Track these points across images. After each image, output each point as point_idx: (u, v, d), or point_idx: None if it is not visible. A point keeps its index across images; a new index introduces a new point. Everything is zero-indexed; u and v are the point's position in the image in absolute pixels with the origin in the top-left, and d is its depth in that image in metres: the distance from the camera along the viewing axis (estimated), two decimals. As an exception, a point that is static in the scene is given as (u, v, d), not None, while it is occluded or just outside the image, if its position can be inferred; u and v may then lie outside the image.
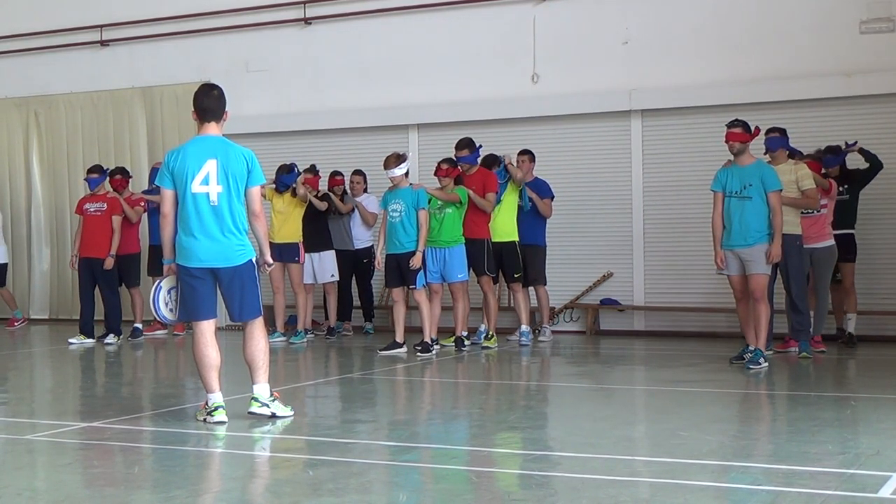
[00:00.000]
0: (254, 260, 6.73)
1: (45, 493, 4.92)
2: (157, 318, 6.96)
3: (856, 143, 10.86)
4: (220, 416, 6.55)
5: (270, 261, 6.95)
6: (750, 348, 9.28)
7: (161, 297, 6.80)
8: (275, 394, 6.80)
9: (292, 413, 6.80)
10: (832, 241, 10.31)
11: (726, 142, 9.32)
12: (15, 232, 16.04)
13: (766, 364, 9.14)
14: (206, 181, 6.56)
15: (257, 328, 6.72)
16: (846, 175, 10.77)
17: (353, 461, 5.48)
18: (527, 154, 11.70)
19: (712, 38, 12.36)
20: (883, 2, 11.68)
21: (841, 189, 10.64)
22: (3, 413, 7.38)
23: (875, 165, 10.81)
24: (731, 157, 9.40)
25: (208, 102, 6.72)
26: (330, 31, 14.22)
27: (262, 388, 6.69)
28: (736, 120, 9.42)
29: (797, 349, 9.87)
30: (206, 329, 6.63)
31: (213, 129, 6.73)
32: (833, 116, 11.83)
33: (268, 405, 6.68)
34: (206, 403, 6.67)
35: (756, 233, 9.15)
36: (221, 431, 6.36)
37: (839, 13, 11.81)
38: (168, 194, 6.69)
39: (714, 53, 12.35)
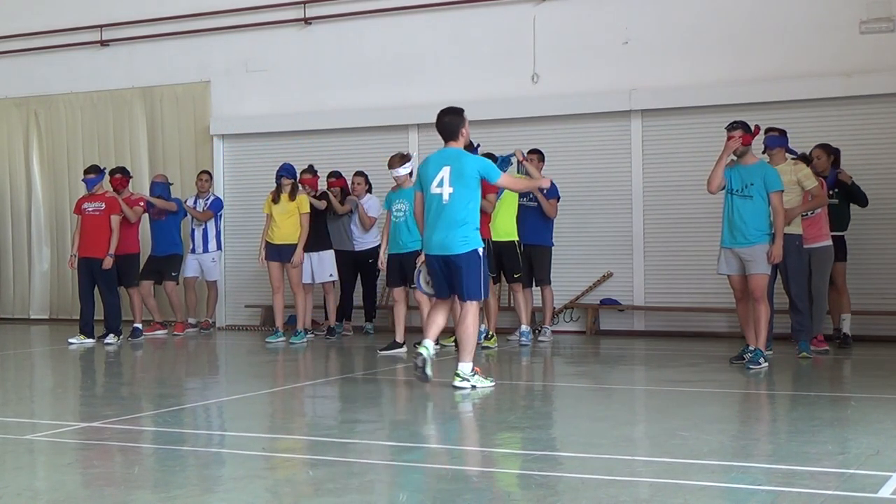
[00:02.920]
0: (480, 251, 7.99)
1: (45, 493, 4.92)
2: (421, 292, 8.67)
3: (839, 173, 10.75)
4: (423, 350, 7.85)
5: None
6: (750, 348, 9.27)
7: (422, 277, 8.41)
8: (476, 369, 8.00)
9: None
10: (829, 242, 10.27)
11: None
12: (15, 232, 16.06)
13: (766, 364, 9.14)
14: (441, 184, 7.98)
15: (469, 312, 7.99)
16: (836, 181, 10.73)
17: (353, 461, 5.48)
18: (536, 153, 11.71)
19: (712, 39, 12.37)
20: (883, 2, 11.68)
21: (830, 193, 10.63)
22: (3, 413, 7.38)
23: (860, 202, 10.84)
24: (734, 158, 9.38)
25: (440, 127, 8.28)
26: (330, 31, 14.23)
27: (464, 367, 7.97)
28: (735, 122, 9.39)
29: (797, 349, 9.86)
30: (440, 302, 8.23)
31: (452, 144, 8.20)
32: (833, 116, 11.83)
33: (468, 379, 7.92)
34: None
35: (756, 232, 9.14)
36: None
37: (839, 13, 11.81)
38: (418, 196, 8.22)
39: (714, 53, 12.35)
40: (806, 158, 10.32)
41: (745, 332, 9.47)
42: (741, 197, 9.18)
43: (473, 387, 7.88)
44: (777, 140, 9.89)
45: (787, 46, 12.03)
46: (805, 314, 9.83)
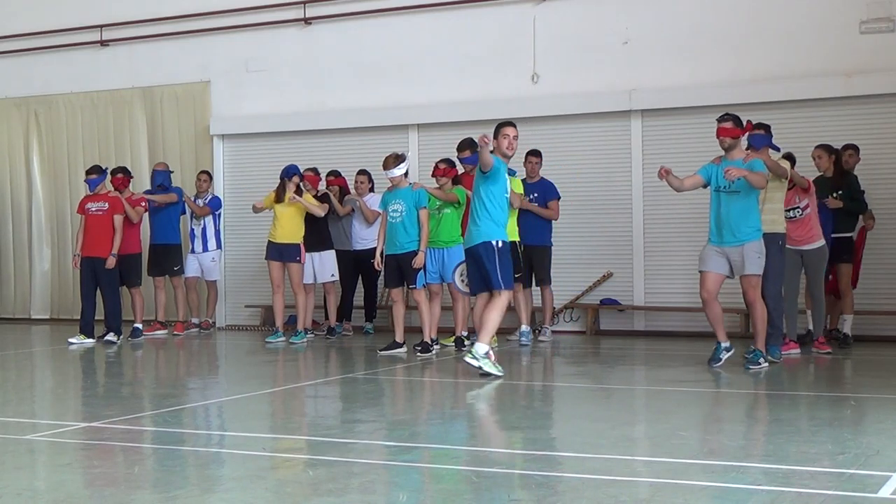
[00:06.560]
0: (493, 243, 8.68)
1: (45, 493, 4.92)
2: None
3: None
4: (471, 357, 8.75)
5: None
6: (724, 345, 9.16)
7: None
8: (490, 355, 8.57)
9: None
10: (822, 242, 10.15)
11: (717, 137, 9.26)
12: (15, 232, 16.06)
13: (766, 364, 9.12)
14: None
15: (495, 298, 8.76)
16: (840, 181, 10.69)
17: (353, 461, 5.48)
18: (537, 156, 11.71)
19: (712, 38, 12.37)
20: (883, 2, 11.69)
21: (835, 195, 10.61)
22: (3, 413, 7.38)
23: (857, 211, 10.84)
24: (723, 153, 9.32)
25: None
26: (330, 31, 14.23)
27: (480, 347, 8.56)
28: (726, 114, 9.31)
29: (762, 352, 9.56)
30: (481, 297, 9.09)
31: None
32: (833, 116, 11.84)
33: (477, 359, 8.50)
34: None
35: (747, 229, 9.03)
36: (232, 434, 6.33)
37: (839, 13, 11.81)
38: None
39: (714, 53, 12.35)
40: (791, 158, 10.24)
41: (716, 330, 9.19)
42: (728, 193, 9.06)
43: (480, 368, 8.48)
44: (762, 139, 9.72)
45: (787, 46, 12.03)
46: (777, 318, 9.45)
